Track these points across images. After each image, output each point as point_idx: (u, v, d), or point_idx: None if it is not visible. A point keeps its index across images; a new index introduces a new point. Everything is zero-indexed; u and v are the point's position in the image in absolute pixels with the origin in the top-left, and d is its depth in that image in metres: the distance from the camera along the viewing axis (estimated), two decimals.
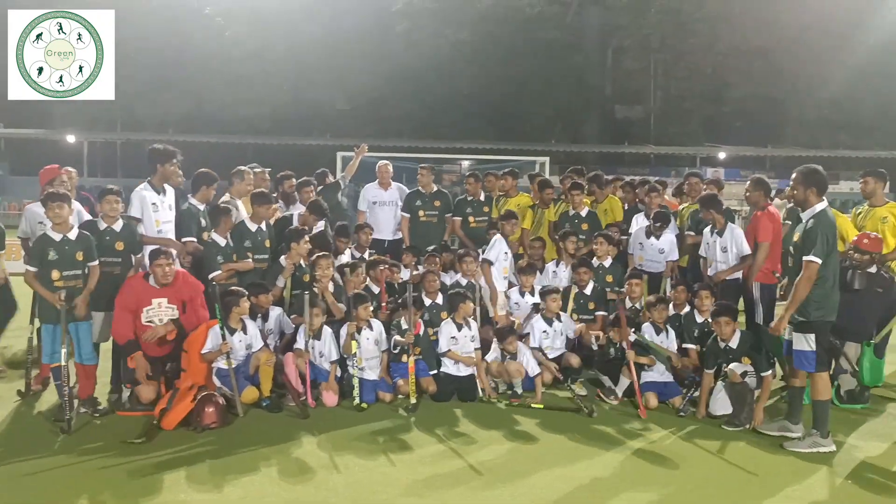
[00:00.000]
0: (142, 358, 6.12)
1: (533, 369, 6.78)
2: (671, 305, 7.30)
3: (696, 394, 6.64)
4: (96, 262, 6.12)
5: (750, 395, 6.16)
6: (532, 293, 7.76)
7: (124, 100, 32.47)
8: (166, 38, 30.74)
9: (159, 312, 6.28)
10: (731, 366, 6.18)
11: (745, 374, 6.15)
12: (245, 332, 6.46)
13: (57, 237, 5.95)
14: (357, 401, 6.37)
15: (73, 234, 6.01)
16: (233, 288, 6.58)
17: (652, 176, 20.11)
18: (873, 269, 6.61)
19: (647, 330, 6.92)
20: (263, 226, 7.51)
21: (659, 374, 6.78)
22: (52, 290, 5.85)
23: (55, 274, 5.92)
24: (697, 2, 37.90)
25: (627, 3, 40.13)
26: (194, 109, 32.73)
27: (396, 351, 6.82)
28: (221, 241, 7.04)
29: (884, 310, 6.75)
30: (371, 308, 6.86)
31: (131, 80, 31.59)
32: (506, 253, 8.06)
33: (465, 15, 35.17)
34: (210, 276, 6.80)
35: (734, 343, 6.33)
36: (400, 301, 7.28)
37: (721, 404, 6.28)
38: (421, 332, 7.02)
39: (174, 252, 6.56)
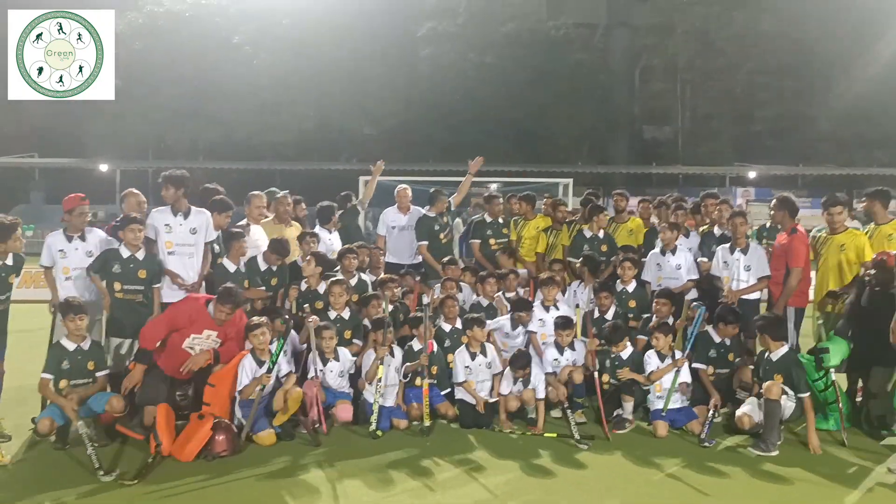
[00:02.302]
0: (140, 372, 5.99)
1: (540, 392, 6.62)
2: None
3: (718, 419, 6.49)
4: (105, 373, 6.11)
5: (780, 417, 5.98)
6: (556, 307, 7.52)
7: (155, 128, 33.17)
8: (196, 67, 31.28)
9: (203, 343, 6.21)
10: (768, 383, 6.01)
11: (782, 392, 5.97)
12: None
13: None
14: (373, 426, 6.27)
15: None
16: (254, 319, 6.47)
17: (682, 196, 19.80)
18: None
19: (652, 358, 6.72)
20: (274, 268, 7.43)
21: (671, 402, 6.57)
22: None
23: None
24: (724, 21, 37.61)
25: (654, 24, 40.02)
26: (223, 137, 33.16)
27: (407, 379, 6.72)
28: (231, 268, 7.01)
29: None
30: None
31: (162, 109, 32.25)
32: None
33: (490, 39, 35.33)
34: None
35: (775, 357, 6.20)
36: (407, 321, 7.19)
37: (750, 406, 6.15)
38: (434, 350, 6.90)
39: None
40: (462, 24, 35.05)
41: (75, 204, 6.78)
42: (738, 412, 6.25)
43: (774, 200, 7.58)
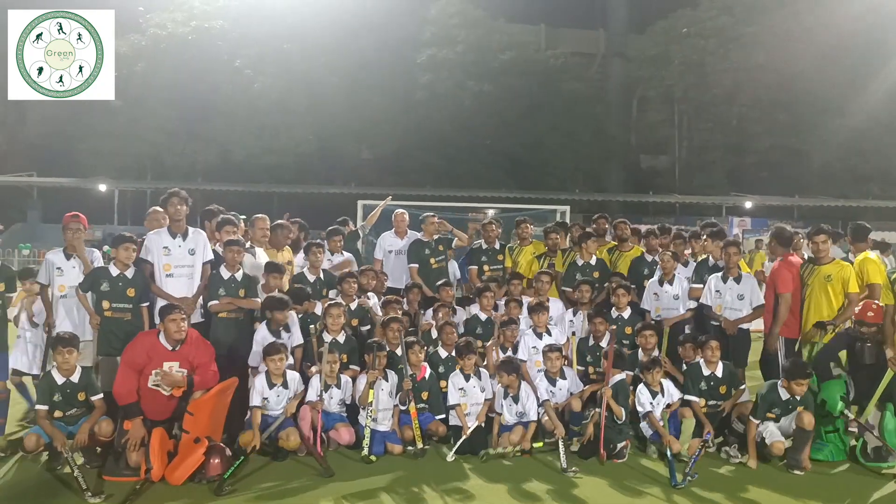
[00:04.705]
0: (140, 425, 5.73)
1: (532, 415, 6.61)
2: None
3: (711, 449, 6.47)
4: (99, 397, 6.01)
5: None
6: (549, 333, 7.55)
7: (154, 150, 33.35)
8: (196, 89, 31.51)
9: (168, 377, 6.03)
10: (801, 413, 6.14)
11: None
12: (286, 388, 6.35)
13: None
14: (365, 451, 6.25)
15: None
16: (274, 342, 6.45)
17: (677, 225, 19.97)
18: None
19: (644, 392, 6.73)
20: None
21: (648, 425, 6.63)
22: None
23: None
24: (720, 54, 38.16)
25: (650, 56, 40.57)
26: (221, 159, 33.35)
27: (405, 408, 6.73)
28: (226, 275, 6.95)
29: None
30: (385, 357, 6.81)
31: (161, 131, 32.45)
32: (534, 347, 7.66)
33: (488, 67, 35.74)
34: (208, 305, 6.80)
35: (799, 395, 6.29)
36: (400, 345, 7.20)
37: (771, 434, 6.21)
38: (426, 376, 6.93)
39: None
40: (461, 52, 35.45)
41: (67, 221, 6.82)
42: (769, 441, 6.24)
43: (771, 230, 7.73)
